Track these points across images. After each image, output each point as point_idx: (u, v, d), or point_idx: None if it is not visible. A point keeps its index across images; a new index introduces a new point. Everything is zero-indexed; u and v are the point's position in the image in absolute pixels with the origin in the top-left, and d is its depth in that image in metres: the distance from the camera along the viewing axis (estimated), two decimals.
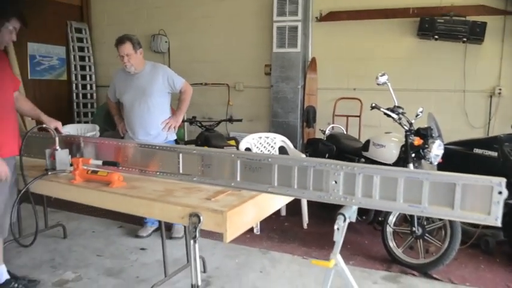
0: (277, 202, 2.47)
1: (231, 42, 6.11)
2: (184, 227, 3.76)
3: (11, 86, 2.79)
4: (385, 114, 3.53)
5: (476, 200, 1.72)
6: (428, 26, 4.83)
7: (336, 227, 1.99)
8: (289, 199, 2.61)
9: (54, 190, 2.65)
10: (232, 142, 4.88)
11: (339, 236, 2.03)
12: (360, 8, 5.22)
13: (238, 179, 2.29)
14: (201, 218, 2.01)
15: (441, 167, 3.35)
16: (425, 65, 5.06)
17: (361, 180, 1.94)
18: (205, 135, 4.73)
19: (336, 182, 1.99)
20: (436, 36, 4.82)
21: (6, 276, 2.85)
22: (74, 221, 4.36)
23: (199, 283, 2.12)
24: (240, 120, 5.37)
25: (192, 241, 2.08)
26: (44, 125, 2.86)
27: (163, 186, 2.43)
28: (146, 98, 3.64)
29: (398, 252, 3.34)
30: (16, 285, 2.86)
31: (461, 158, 3.76)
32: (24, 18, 2.70)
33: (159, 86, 3.66)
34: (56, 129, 2.85)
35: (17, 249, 3.51)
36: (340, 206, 2.04)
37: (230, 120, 5.35)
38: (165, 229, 3.81)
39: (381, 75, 3.48)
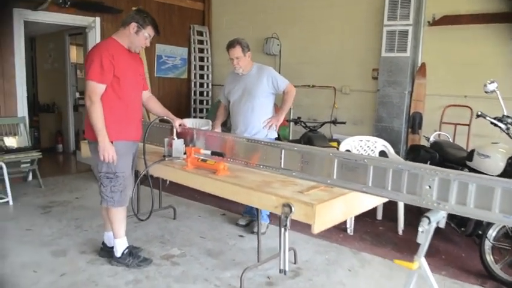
0: (368, 202, 2.55)
1: (340, 46, 6.19)
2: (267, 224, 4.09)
3: (142, 86, 3.27)
4: (492, 123, 3.40)
5: None
6: None
7: (420, 229, 2.05)
8: (379, 201, 2.70)
9: (169, 174, 3.07)
10: (334, 144, 4.99)
11: (423, 239, 2.09)
12: (477, 11, 4.97)
13: (335, 177, 2.41)
14: (293, 208, 2.21)
15: None
16: None
17: (456, 187, 1.93)
18: (309, 135, 4.89)
19: (429, 187, 2.01)
20: None
21: (126, 245, 3.26)
22: (183, 205, 4.84)
23: (287, 268, 2.33)
24: (344, 123, 5.45)
25: (283, 229, 2.29)
26: (166, 118, 3.30)
27: (261, 177, 2.67)
28: (251, 98, 3.85)
29: (496, 268, 3.20)
30: (130, 261, 3.22)
31: None
32: (157, 27, 3.11)
33: (264, 87, 3.85)
34: (181, 124, 3.30)
35: (134, 224, 4.04)
36: None
37: (334, 122, 5.45)
38: (248, 224, 4.16)
39: (490, 83, 3.35)
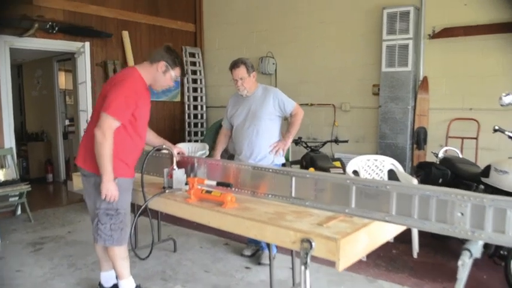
0: (391, 231, 2.37)
1: (338, 63, 6.03)
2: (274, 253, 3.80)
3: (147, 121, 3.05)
4: (510, 138, 3.23)
5: None
6: None
7: (460, 263, 1.84)
8: (402, 229, 2.48)
9: (170, 207, 2.80)
10: (338, 163, 4.78)
11: (463, 273, 1.87)
12: (478, 22, 4.85)
13: (353, 205, 2.23)
14: (313, 244, 1.98)
15: None
16: None
17: (492, 214, 1.77)
18: (311, 156, 4.70)
19: (462, 214, 1.85)
20: None
21: (134, 284, 3.00)
22: (183, 235, 4.56)
23: None
24: (346, 142, 5.28)
25: (303, 267, 2.05)
26: (165, 146, 3.08)
27: (273, 209, 2.44)
28: (256, 121, 3.60)
29: None
30: None
31: None
32: (184, 69, 2.96)
33: (270, 109, 3.61)
34: (179, 152, 3.10)
35: (132, 259, 3.71)
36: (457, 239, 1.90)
37: (336, 141, 5.29)
38: (254, 254, 3.92)
39: (505, 95, 3.20)
